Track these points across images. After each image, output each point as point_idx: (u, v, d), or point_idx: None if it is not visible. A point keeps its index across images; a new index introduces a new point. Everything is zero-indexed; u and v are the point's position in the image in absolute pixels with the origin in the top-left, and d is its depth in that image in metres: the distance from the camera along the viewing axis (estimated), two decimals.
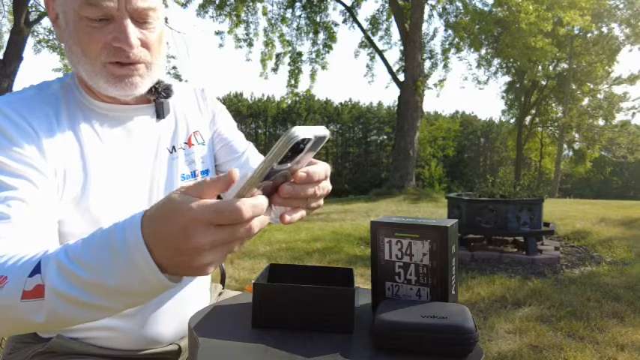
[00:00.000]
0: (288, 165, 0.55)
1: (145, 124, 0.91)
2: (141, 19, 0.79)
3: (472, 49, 15.29)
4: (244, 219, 0.49)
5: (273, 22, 14.31)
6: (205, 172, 0.99)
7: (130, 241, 0.52)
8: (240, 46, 14.21)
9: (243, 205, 0.48)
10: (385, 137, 36.36)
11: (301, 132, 0.50)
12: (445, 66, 15.74)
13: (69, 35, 0.79)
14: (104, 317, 0.59)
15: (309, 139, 0.53)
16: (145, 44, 0.81)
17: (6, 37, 11.97)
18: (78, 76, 0.86)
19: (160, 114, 0.93)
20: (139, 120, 0.91)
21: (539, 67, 18.04)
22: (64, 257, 0.55)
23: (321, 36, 14.71)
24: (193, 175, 0.96)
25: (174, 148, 0.95)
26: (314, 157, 0.62)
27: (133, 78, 0.81)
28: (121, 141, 0.88)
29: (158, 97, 0.92)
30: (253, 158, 1.06)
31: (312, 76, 14.73)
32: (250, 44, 14.14)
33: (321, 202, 0.69)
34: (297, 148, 0.53)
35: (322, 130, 0.55)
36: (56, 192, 0.79)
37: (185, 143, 0.97)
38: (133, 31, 0.78)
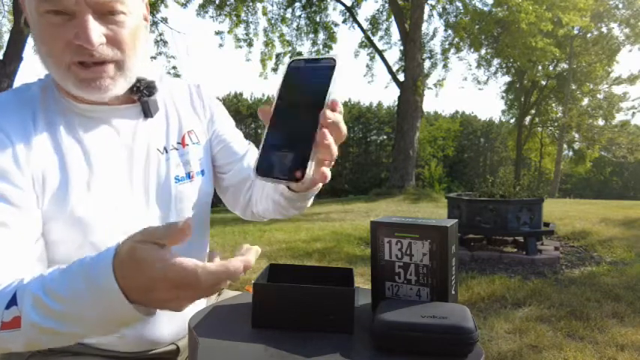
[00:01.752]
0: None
1: (131, 124, 0.86)
2: (105, 12, 0.72)
3: (472, 49, 15.29)
4: (202, 288, 0.51)
5: (273, 22, 14.33)
6: (201, 172, 0.95)
7: (104, 287, 0.53)
8: (240, 46, 14.21)
9: (203, 277, 0.51)
10: (385, 137, 36.30)
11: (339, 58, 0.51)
12: (445, 66, 15.75)
13: (35, 35, 0.74)
14: (83, 339, 0.62)
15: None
16: (112, 40, 0.74)
17: (6, 37, 11.97)
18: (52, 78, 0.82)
19: (147, 113, 0.87)
20: (124, 121, 0.86)
21: (539, 67, 18.04)
22: (40, 290, 0.56)
23: (321, 36, 14.73)
24: (188, 176, 0.91)
25: (165, 149, 0.90)
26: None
27: (101, 81, 0.75)
28: (107, 143, 0.83)
29: (141, 96, 0.87)
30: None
31: None
32: (250, 44, 14.14)
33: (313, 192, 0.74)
34: None
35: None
36: (36, 204, 0.76)
37: (178, 143, 0.92)
38: (94, 27, 0.71)
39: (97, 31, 0.71)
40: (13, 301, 0.57)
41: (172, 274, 0.50)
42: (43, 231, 0.77)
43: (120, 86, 0.79)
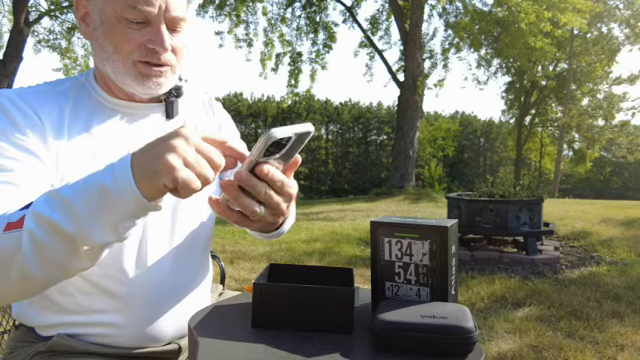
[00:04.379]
0: (277, 156, 0.62)
1: (155, 122, 0.95)
2: (173, 26, 0.86)
3: (472, 49, 15.27)
4: (219, 145, 0.62)
5: (272, 22, 14.32)
6: None
7: (116, 164, 0.60)
8: (240, 46, 14.23)
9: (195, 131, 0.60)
10: (385, 137, 36.35)
11: (279, 133, 0.57)
12: (445, 66, 15.74)
13: (102, 32, 0.84)
14: (81, 263, 0.63)
15: (290, 137, 0.59)
16: (173, 50, 0.87)
17: (6, 37, 11.98)
18: (99, 72, 0.91)
19: (169, 114, 0.96)
20: (149, 118, 0.94)
21: (539, 67, 18.03)
22: (51, 190, 0.63)
23: (321, 36, 14.72)
24: None
25: None
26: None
27: (159, 79, 0.87)
28: (132, 136, 0.90)
29: (169, 97, 0.96)
30: None
31: (312, 76, 14.73)
32: (250, 44, 14.14)
33: (282, 229, 0.87)
34: (281, 144, 0.59)
35: (303, 127, 0.61)
36: (56, 183, 0.81)
37: None
38: (167, 36, 0.85)
39: (169, 39, 0.85)
40: (25, 207, 0.63)
41: (200, 132, 0.61)
42: None
43: (168, 87, 0.91)
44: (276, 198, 0.64)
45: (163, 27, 0.84)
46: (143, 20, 0.82)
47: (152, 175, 0.58)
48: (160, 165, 0.57)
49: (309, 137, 0.63)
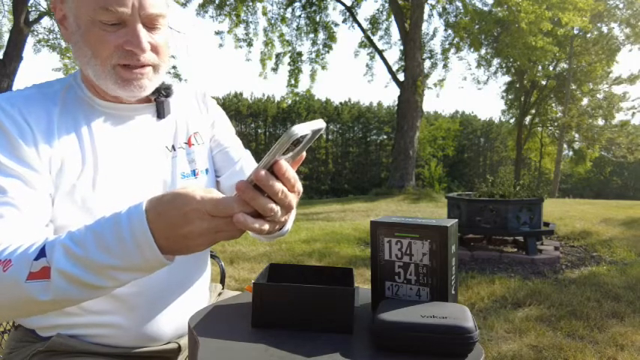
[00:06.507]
0: (290, 154, 0.62)
1: (145, 122, 0.93)
2: (151, 24, 0.83)
3: (472, 49, 15.27)
4: (233, 213, 0.59)
5: (272, 22, 14.33)
6: (205, 171, 1.00)
7: (134, 224, 0.60)
8: (240, 46, 14.25)
9: (234, 204, 0.59)
10: (385, 137, 36.38)
11: (300, 130, 0.58)
12: (445, 66, 15.74)
13: (80, 36, 0.82)
14: (102, 295, 0.68)
15: (307, 134, 0.60)
16: (153, 48, 0.84)
17: (6, 37, 11.99)
18: (83, 76, 0.89)
19: (160, 113, 0.95)
20: (140, 118, 0.93)
21: (539, 67, 18.03)
22: (70, 241, 0.63)
23: (321, 36, 14.73)
24: (193, 173, 0.97)
25: (173, 147, 0.96)
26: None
27: (141, 81, 0.85)
28: (122, 138, 0.89)
29: (159, 97, 0.94)
30: (248, 168, 1.06)
31: (312, 76, 14.73)
32: (250, 44, 14.15)
33: (286, 228, 0.86)
34: (298, 141, 0.60)
35: (318, 124, 0.63)
36: (50, 188, 0.81)
37: (185, 143, 0.98)
38: (144, 36, 0.82)
39: (146, 39, 0.82)
40: (42, 254, 0.63)
41: (208, 203, 0.59)
42: (52, 216, 0.82)
43: (153, 87, 0.89)
44: (290, 195, 0.64)
45: (139, 26, 0.81)
46: (118, 21, 0.80)
47: (186, 252, 0.63)
48: (186, 252, 0.62)
49: (320, 133, 0.64)
